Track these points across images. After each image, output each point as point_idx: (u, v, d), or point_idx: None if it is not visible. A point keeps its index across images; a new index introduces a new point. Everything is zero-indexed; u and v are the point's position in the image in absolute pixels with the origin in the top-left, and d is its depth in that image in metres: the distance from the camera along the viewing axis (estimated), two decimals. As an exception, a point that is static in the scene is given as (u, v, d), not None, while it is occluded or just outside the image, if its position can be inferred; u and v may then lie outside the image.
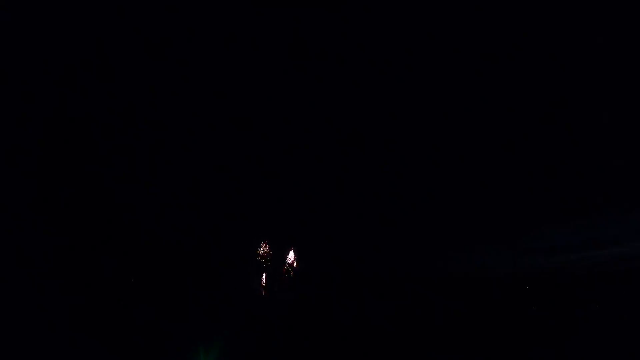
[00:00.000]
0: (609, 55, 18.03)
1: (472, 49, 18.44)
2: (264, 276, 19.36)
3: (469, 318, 17.72)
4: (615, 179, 20.06)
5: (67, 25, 15.73)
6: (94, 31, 16.22)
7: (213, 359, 12.18)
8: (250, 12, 17.12)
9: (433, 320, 17.44)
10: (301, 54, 18.50)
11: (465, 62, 18.88)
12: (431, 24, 18.20)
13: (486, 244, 22.27)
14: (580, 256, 21.41)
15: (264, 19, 17.48)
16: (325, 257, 20.19)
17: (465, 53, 18.59)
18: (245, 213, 19.25)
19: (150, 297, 15.69)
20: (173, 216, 17.84)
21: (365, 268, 20.41)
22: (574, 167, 20.55)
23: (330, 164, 20.32)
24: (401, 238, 21.15)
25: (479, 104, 19.85)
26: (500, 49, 18.53)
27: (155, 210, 17.50)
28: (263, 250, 19.60)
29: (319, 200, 20.30)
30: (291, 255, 19.99)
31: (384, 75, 19.32)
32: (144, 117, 17.63)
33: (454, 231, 21.78)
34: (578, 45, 18.23)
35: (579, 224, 21.22)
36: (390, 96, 19.75)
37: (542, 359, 13.95)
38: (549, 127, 19.93)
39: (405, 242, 21.20)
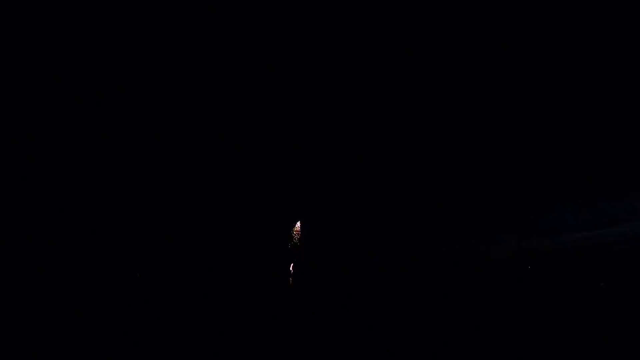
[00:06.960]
0: (603, 40, 18.22)
1: (465, 34, 18.54)
2: (267, 273, 19.39)
3: (473, 303, 17.84)
4: (619, 157, 20.23)
5: (66, 24, 15.73)
6: (93, 29, 16.23)
7: None
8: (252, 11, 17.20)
9: (437, 307, 17.52)
10: (302, 53, 18.59)
11: (460, 47, 18.99)
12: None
13: (488, 226, 22.28)
14: (584, 235, 21.59)
15: (264, 18, 17.56)
16: (329, 251, 20.20)
17: (458, 38, 18.69)
18: (250, 210, 19.31)
19: (153, 296, 15.68)
20: (174, 214, 17.86)
21: (366, 257, 20.41)
22: (575, 146, 20.69)
23: (327, 159, 20.36)
24: (400, 223, 21.10)
25: (477, 85, 19.93)
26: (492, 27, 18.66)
27: (159, 206, 17.53)
28: (264, 248, 19.64)
29: (321, 194, 20.32)
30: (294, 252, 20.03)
31: (378, 63, 19.35)
32: (150, 110, 17.65)
33: (455, 214, 21.81)
34: (574, 38, 18.45)
35: (583, 204, 21.35)
36: (382, 85, 19.80)
37: (548, 339, 14.06)
38: (550, 106, 20.05)
39: (405, 227, 21.17)
